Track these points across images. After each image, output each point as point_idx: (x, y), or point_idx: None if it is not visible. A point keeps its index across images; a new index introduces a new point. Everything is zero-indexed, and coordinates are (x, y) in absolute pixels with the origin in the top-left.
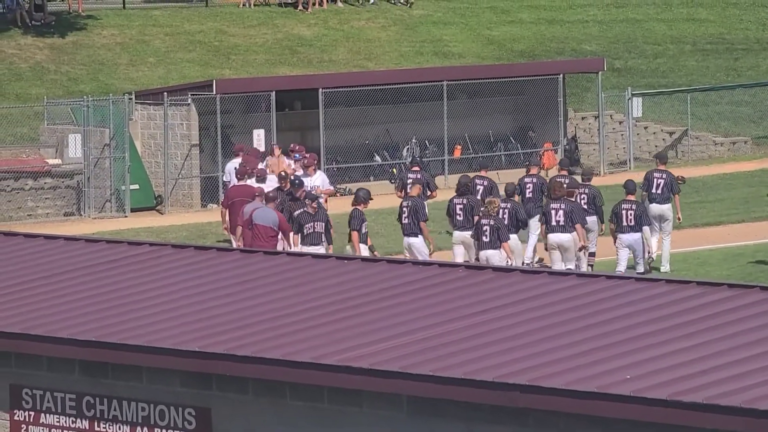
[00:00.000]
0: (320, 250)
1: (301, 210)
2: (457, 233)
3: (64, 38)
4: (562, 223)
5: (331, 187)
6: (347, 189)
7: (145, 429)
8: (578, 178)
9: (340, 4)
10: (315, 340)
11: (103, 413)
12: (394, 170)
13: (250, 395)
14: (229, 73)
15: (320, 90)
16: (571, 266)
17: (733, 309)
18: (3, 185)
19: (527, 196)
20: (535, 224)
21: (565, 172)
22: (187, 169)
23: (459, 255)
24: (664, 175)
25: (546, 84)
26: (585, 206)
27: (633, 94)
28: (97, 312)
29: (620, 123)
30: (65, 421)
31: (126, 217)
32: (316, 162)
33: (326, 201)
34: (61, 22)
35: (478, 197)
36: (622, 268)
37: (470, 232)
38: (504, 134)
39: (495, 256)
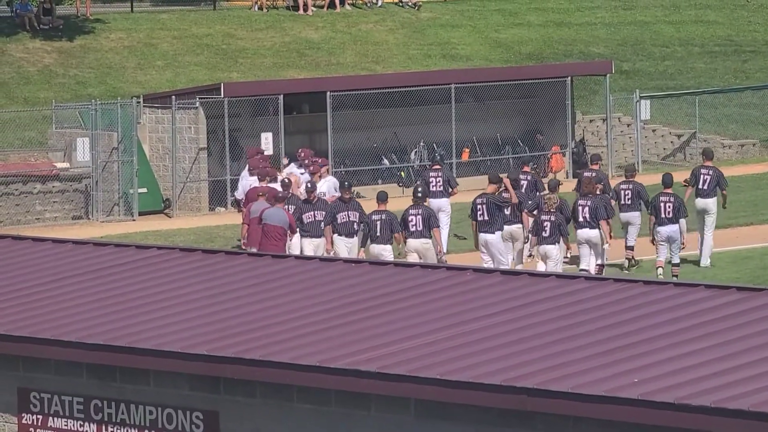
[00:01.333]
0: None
1: (373, 212)
2: (505, 227)
3: (72, 42)
4: (588, 219)
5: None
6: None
7: None
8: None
9: (348, 6)
10: (323, 344)
11: (111, 417)
12: (402, 173)
13: (258, 398)
14: (236, 77)
15: (328, 93)
16: (599, 261)
17: (741, 312)
18: (11, 189)
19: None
20: None
21: (596, 167)
22: (195, 172)
23: (508, 250)
24: (711, 171)
25: (554, 87)
26: (629, 201)
27: (641, 97)
28: (105, 315)
29: (628, 126)
30: (73, 425)
31: (134, 220)
32: (322, 168)
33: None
34: (69, 26)
35: (522, 191)
36: (662, 258)
37: (516, 226)
38: (512, 137)
39: (554, 251)
